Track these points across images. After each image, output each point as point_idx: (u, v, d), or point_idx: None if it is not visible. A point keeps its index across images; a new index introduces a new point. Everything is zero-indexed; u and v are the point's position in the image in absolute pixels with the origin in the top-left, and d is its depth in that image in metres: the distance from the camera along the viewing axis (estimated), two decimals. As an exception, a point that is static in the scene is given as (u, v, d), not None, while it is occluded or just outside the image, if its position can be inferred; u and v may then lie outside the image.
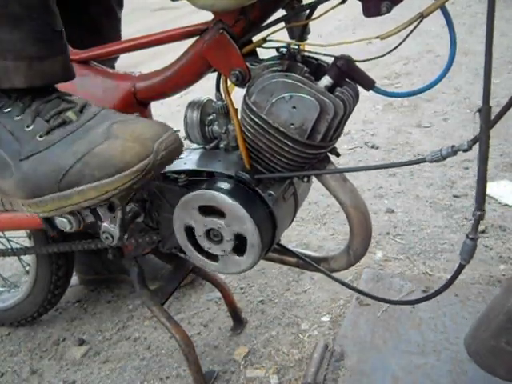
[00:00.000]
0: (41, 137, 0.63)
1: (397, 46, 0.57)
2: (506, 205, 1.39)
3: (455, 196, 1.47)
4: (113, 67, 1.03)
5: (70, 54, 0.79)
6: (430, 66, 2.55)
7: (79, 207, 0.63)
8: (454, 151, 0.57)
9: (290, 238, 1.38)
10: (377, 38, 0.57)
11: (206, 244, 0.75)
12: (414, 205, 1.47)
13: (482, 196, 0.56)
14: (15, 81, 0.62)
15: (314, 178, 0.81)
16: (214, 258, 0.77)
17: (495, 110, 0.52)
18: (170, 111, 2.43)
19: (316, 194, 1.55)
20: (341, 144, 1.89)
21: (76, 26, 0.85)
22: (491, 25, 0.49)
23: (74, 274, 1.22)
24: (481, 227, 1.29)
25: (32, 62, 0.61)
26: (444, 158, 0.58)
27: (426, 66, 2.57)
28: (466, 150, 0.56)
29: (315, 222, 1.46)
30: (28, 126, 0.64)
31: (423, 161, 0.59)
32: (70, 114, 0.64)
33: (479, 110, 0.53)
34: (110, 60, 0.98)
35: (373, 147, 1.85)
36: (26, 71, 0.62)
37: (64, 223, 0.65)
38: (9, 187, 0.66)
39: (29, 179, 0.63)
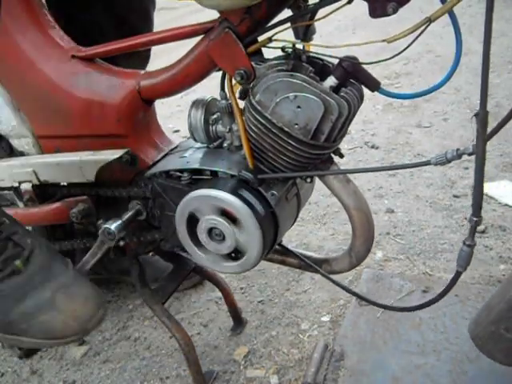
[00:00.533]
0: None
1: (404, 50, 0.57)
2: (506, 205, 1.39)
3: (455, 196, 1.48)
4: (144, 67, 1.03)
5: (76, 50, 0.79)
6: (430, 66, 2.55)
7: (11, 344, 0.80)
8: (458, 154, 0.57)
9: (290, 238, 1.38)
10: (384, 41, 0.57)
11: (208, 244, 0.75)
12: (413, 205, 1.47)
13: (478, 202, 0.56)
14: None
15: (316, 179, 0.81)
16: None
17: (495, 111, 0.52)
18: (170, 111, 2.42)
19: (316, 194, 1.55)
20: (341, 144, 1.88)
21: (116, 32, 0.86)
22: (489, 31, 0.48)
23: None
24: (481, 227, 1.29)
25: None
26: (449, 161, 0.58)
27: (426, 66, 2.57)
28: (470, 154, 0.56)
29: (315, 222, 1.46)
30: None
31: (428, 163, 0.59)
32: (18, 264, 0.71)
33: (476, 115, 0.52)
34: (143, 60, 0.98)
35: (373, 147, 1.85)
36: None
37: None
38: None
39: None
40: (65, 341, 0.72)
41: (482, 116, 0.52)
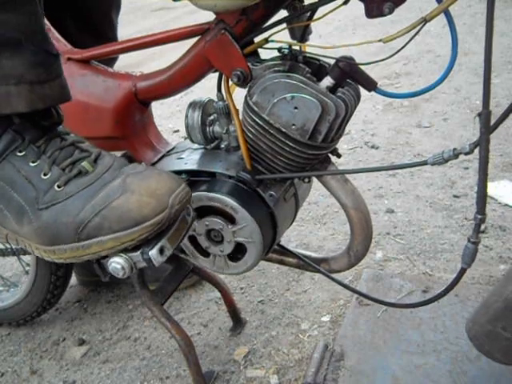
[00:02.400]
0: (59, 187, 0.65)
1: (399, 50, 0.57)
2: (506, 205, 1.39)
3: (455, 196, 1.47)
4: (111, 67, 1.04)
5: (72, 53, 0.80)
6: (430, 66, 2.55)
7: (96, 256, 0.66)
8: (455, 154, 0.57)
9: (289, 238, 1.38)
10: (380, 41, 0.57)
11: (206, 244, 0.75)
12: (413, 205, 1.47)
13: (482, 200, 0.56)
14: (18, 106, 0.63)
15: (313, 178, 0.81)
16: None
17: (495, 111, 0.52)
18: (170, 111, 2.43)
19: (316, 194, 1.55)
20: (341, 144, 1.89)
21: (80, 30, 0.86)
22: (490, 30, 0.48)
23: (73, 274, 1.22)
24: (481, 227, 1.29)
25: (33, 86, 0.62)
26: (446, 161, 0.58)
27: (426, 66, 2.56)
28: (467, 153, 0.56)
29: (315, 222, 1.46)
30: (45, 175, 0.65)
31: (425, 163, 0.60)
32: (85, 165, 0.66)
33: (479, 115, 0.53)
34: (110, 60, 0.98)
35: (373, 147, 1.85)
36: (27, 95, 0.62)
37: (117, 269, 0.66)
38: (26, 233, 0.67)
39: (48, 228, 0.65)
40: (147, 225, 0.62)
41: (485, 115, 0.52)
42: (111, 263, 0.66)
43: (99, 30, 1.00)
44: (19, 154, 0.66)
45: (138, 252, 0.65)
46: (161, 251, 0.65)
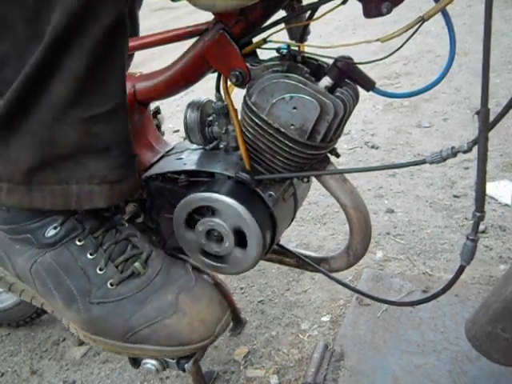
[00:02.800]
0: (111, 285, 0.69)
1: (397, 49, 0.58)
2: (506, 205, 1.39)
3: (455, 196, 1.47)
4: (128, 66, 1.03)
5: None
6: (430, 66, 2.55)
7: (133, 356, 0.73)
8: (453, 153, 0.57)
9: (289, 238, 1.38)
10: (377, 40, 0.58)
11: (210, 246, 0.75)
12: (413, 205, 1.47)
13: (481, 198, 0.56)
14: (98, 202, 0.66)
15: (313, 178, 0.81)
16: (219, 259, 0.77)
17: (495, 111, 0.52)
18: (170, 111, 2.43)
19: (316, 193, 1.55)
20: (341, 144, 1.89)
21: None
22: (489, 29, 0.48)
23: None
24: (481, 227, 1.29)
25: (113, 185, 0.67)
26: (444, 160, 0.58)
27: (426, 66, 2.56)
28: (465, 152, 0.56)
29: (315, 222, 1.46)
30: (101, 270, 0.69)
31: (423, 162, 0.60)
32: (138, 266, 0.70)
33: (478, 113, 0.53)
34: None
35: (373, 147, 1.85)
36: (107, 194, 0.66)
37: (151, 370, 0.72)
38: (72, 317, 0.71)
39: (96, 323, 0.69)
40: (191, 348, 0.68)
41: (483, 113, 0.52)
42: (147, 363, 0.72)
43: None
44: (78, 243, 0.69)
45: (175, 361, 0.72)
46: (194, 362, 0.72)
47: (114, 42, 0.58)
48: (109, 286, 0.68)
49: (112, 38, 0.57)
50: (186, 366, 0.71)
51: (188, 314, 0.68)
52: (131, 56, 1.03)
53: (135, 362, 0.75)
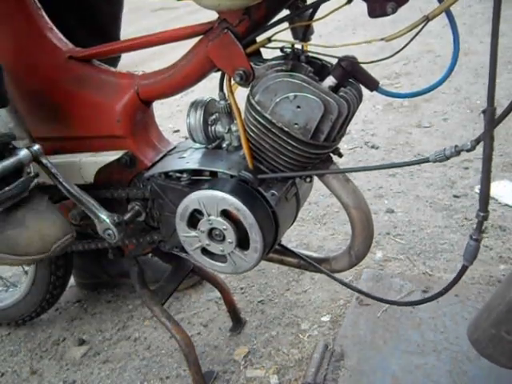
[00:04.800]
0: None
1: (401, 49, 0.57)
2: (506, 205, 1.39)
3: (455, 196, 1.48)
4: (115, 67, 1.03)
5: (73, 52, 0.79)
6: (430, 66, 2.55)
7: None
8: (457, 151, 0.57)
9: (289, 237, 1.38)
10: (382, 39, 0.57)
11: (211, 245, 0.75)
12: (413, 205, 1.47)
13: (485, 197, 0.56)
14: None
15: (314, 178, 0.80)
16: (220, 259, 0.77)
17: (497, 111, 0.52)
18: (170, 111, 2.43)
19: (316, 193, 1.55)
20: (341, 144, 1.87)
21: (82, 27, 0.86)
22: (496, 27, 0.48)
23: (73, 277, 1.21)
24: (481, 227, 1.29)
25: None
26: (447, 158, 0.58)
27: (426, 66, 2.57)
28: (469, 150, 0.56)
29: (315, 222, 1.46)
30: None
31: (426, 161, 0.59)
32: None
33: (484, 112, 0.53)
34: (113, 60, 0.98)
35: (373, 147, 1.85)
36: None
37: None
38: None
39: None
40: (26, 258, 0.75)
41: (489, 112, 0.52)
42: None
43: (105, 29, 1.00)
44: None
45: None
46: None
47: None
48: None
49: None
50: None
51: (29, 229, 0.74)
52: (118, 58, 1.04)
53: None
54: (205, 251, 0.77)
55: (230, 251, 0.74)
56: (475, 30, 2.88)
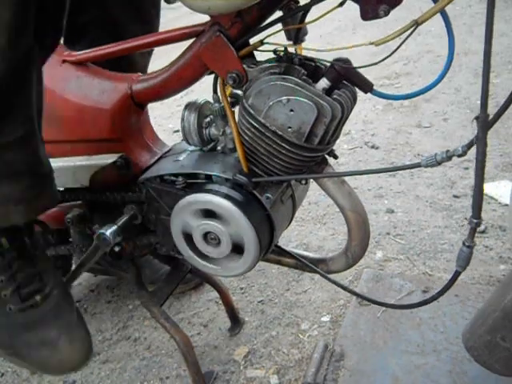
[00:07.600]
0: (10, 309, 0.77)
1: (392, 53, 0.57)
2: (506, 205, 1.39)
3: (455, 196, 1.47)
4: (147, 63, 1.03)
5: (67, 55, 0.80)
6: (430, 66, 2.54)
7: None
8: (448, 156, 0.57)
9: (289, 238, 1.38)
10: (371, 44, 0.57)
11: (204, 248, 0.75)
12: (413, 205, 1.47)
13: (478, 204, 0.56)
14: (15, 219, 0.70)
15: (310, 180, 0.81)
16: (216, 261, 0.78)
17: (494, 111, 0.52)
18: (170, 111, 2.43)
19: (316, 194, 1.55)
20: (341, 144, 1.89)
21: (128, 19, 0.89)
22: (490, 34, 0.48)
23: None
24: (481, 227, 1.29)
25: (30, 202, 0.70)
26: (439, 164, 0.58)
27: (426, 66, 2.56)
28: (460, 156, 0.56)
29: (315, 222, 1.46)
30: (5, 295, 0.76)
31: (418, 166, 0.59)
32: (38, 299, 0.77)
33: (477, 118, 0.52)
34: (143, 56, 0.98)
35: (373, 147, 1.85)
36: (24, 210, 0.69)
37: None
38: None
39: None
40: (53, 375, 0.88)
41: (482, 119, 0.52)
42: None
43: (147, 19, 0.99)
44: None
45: None
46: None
47: (21, 73, 0.60)
48: (7, 309, 0.76)
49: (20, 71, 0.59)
50: None
51: (62, 353, 0.79)
52: (150, 53, 1.03)
53: None
54: (200, 254, 0.77)
55: (225, 255, 0.74)
56: (475, 30, 2.87)
